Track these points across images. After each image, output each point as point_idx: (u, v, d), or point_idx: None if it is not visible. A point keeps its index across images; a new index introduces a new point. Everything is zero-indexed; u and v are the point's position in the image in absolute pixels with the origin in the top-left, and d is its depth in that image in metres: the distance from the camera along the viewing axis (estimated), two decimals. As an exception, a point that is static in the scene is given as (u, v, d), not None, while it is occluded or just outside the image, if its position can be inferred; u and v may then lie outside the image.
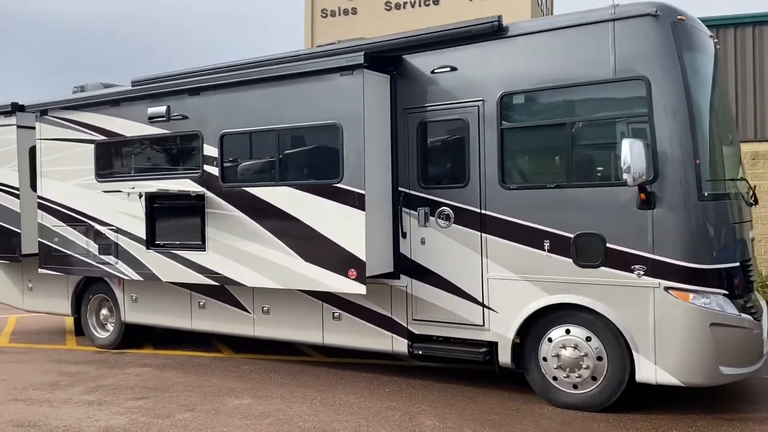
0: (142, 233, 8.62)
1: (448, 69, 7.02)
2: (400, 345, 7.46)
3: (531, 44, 6.62)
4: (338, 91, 7.01)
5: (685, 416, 6.32)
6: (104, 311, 10.29)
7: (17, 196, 9.89)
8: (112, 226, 8.94)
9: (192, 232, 8.23)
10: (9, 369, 9.06)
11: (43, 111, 9.61)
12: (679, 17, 6.13)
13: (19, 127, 9.87)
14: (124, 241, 8.82)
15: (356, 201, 6.93)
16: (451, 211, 7.04)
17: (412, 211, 7.28)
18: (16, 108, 9.84)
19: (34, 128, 9.92)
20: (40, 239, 9.75)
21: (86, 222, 9.22)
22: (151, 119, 8.42)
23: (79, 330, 10.75)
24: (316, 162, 7.40)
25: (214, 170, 7.98)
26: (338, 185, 7.05)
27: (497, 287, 6.82)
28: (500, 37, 6.75)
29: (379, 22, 14.87)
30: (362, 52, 6.77)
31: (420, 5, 14.89)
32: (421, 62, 7.18)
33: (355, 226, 6.94)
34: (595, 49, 6.28)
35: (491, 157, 6.79)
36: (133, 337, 10.13)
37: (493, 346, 6.97)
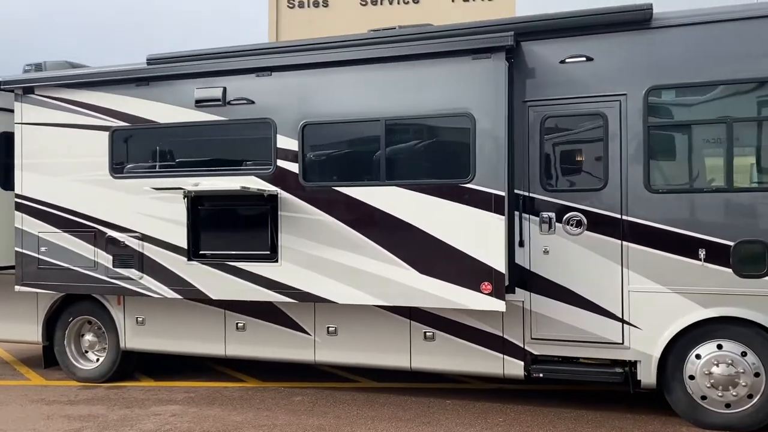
0: (181, 241, 7.07)
1: (583, 59, 6.34)
2: (515, 368, 6.62)
3: (685, 35, 6.12)
4: (471, 76, 6.10)
5: None
6: (89, 337, 8.47)
7: (-18, 195, 7.84)
8: (136, 232, 7.28)
9: (256, 239, 6.85)
10: (-11, 415, 7.07)
11: (27, 89, 7.70)
12: None
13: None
14: (153, 251, 7.20)
15: (492, 204, 6.04)
16: (583, 217, 6.35)
17: (532, 217, 6.49)
18: (-12, 84, 7.82)
19: (5, 110, 7.97)
20: (18, 249, 7.78)
21: (94, 227, 7.45)
22: (200, 103, 6.94)
23: (49, 360, 8.77)
24: (437, 158, 6.39)
25: (292, 166, 6.69)
26: (468, 185, 6.12)
27: (640, 301, 6.21)
28: (648, 26, 6.18)
29: (352, 18, 13.88)
30: (511, 33, 5.91)
31: (399, 3, 14.11)
32: (548, 50, 6.44)
33: (491, 232, 6.05)
34: (761, 44, 5.89)
35: (635, 157, 6.19)
36: (128, 367, 8.43)
37: (628, 366, 6.34)
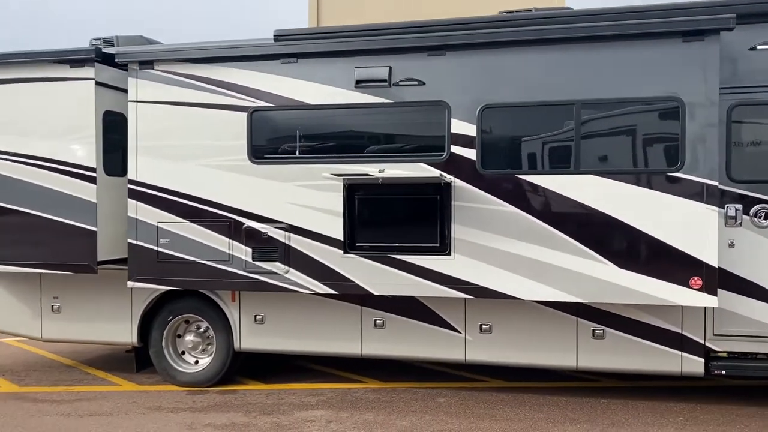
0: (336, 233, 6.49)
1: None
2: (694, 365, 6.38)
3: None
4: (680, 59, 5.79)
5: None
6: (190, 337, 7.75)
7: (92, 180, 7.01)
8: (281, 223, 6.64)
9: (424, 230, 6.37)
10: (118, 425, 6.32)
11: (145, 62, 6.92)
12: None
13: (97, 83, 7.02)
14: (301, 243, 6.59)
15: (704, 194, 5.77)
16: None
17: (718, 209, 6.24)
18: (100, 56, 6.99)
19: (111, 87, 7.17)
20: (132, 241, 7.00)
21: (228, 217, 6.76)
22: (361, 83, 6.37)
23: (142, 363, 8.01)
24: (639, 145, 6.05)
25: (469, 152, 6.23)
26: (677, 174, 5.82)
27: (833, 295, 6.08)
28: None
29: (392, 3, 13.38)
30: (732, 15, 5.64)
31: (445, -12, 13.70)
32: (736, 36, 6.17)
33: (702, 224, 5.78)
34: None
35: (831, 149, 6.04)
36: (234, 369, 7.77)
37: (814, 361, 6.22)
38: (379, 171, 6.16)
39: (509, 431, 6.03)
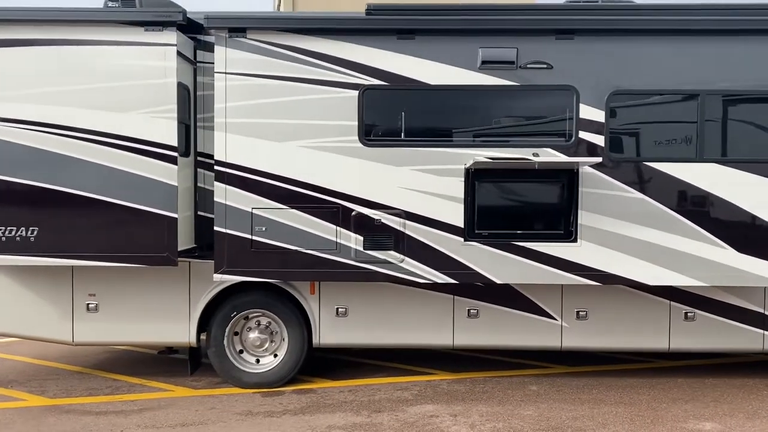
0: (457, 219, 6.23)
1: None
2: (777, 342, 6.85)
3: None
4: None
5: None
6: (255, 334, 7.14)
7: (172, 161, 6.21)
8: (396, 209, 6.25)
9: (548, 217, 6.29)
10: (236, 435, 5.70)
11: (236, 29, 6.22)
12: None
13: (179, 53, 6.22)
14: (417, 231, 6.25)
15: (816, 182, 6.17)
16: None
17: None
18: (186, 22, 6.18)
19: (182, 56, 6.40)
20: (220, 229, 6.30)
21: (336, 203, 6.26)
22: (486, 64, 6.15)
23: (194, 364, 7.29)
24: (760, 137, 6.29)
25: (596, 138, 6.20)
26: (794, 164, 6.17)
27: None
28: None
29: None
30: None
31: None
32: None
33: (815, 211, 6.17)
34: None
35: None
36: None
37: None
38: (533, 155, 5.98)
39: (638, 415, 6.11)
